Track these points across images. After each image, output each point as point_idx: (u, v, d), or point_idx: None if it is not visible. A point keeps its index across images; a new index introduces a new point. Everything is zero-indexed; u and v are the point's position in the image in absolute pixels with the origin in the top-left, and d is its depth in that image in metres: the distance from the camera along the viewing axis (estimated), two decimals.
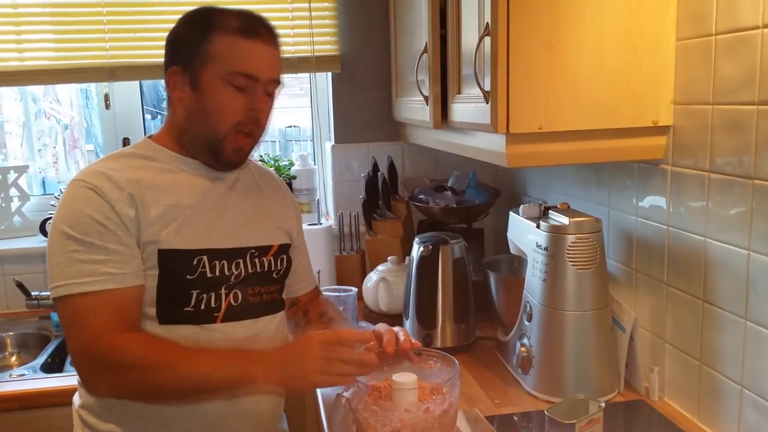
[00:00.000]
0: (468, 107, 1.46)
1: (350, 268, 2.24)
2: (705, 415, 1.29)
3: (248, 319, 1.26)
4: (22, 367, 1.92)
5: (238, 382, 1.14)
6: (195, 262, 1.21)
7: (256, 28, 1.21)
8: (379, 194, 2.21)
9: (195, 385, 1.14)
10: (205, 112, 1.22)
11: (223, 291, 1.23)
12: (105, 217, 1.16)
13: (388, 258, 2.01)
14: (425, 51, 1.69)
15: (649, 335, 1.43)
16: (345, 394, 1.16)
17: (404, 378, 1.17)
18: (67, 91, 2.62)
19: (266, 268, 1.31)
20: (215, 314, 1.22)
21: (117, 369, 1.13)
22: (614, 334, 1.45)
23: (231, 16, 1.21)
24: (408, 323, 1.76)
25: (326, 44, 2.29)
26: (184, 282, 1.20)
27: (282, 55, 1.27)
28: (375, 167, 2.23)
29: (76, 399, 1.31)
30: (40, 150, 2.63)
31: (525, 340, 1.47)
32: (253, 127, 1.24)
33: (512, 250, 1.62)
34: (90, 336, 1.13)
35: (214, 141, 1.23)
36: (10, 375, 1.85)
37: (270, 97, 1.26)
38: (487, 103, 1.30)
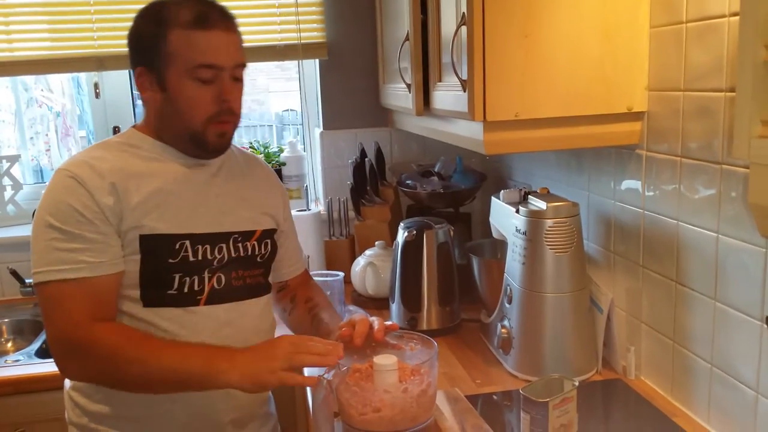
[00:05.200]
0: (448, 95, 1.48)
1: (339, 253, 2.27)
2: (678, 393, 1.33)
3: (232, 302, 1.28)
4: (18, 352, 1.96)
5: (205, 376, 1.14)
6: (177, 246, 1.23)
7: (209, 16, 1.20)
8: (367, 180, 2.23)
9: (163, 378, 1.15)
10: (178, 111, 1.23)
11: (206, 275, 1.26)
12: (84, 206, 1.18)
13: (376, 243, 2.04)
14: (407, 39, 1.71)
15: (626, 315, 1.47)
16: (326, 375, 1.19)
17: (385, 360, 1.21)
18: (59, 79, 2.63)
19: (249, 253, 1.33)
20: (198, 297, 1.25)
21: (89, 357, 1.16)
22: (592, 315, 1.49)
23: (182, 7, 1.19)
24: (394, 306, 1.79)
25: (313, 32, 2.30)
26: (167, 266, 1.23)
27: (250, 43, 1.26)
28: (363, 153, 2.26)
29: (67, 381, 1.35)
30: (32, 138, 2.64)
31: (506, 322, 1.51)
32: (229, 116, 1.25)
33: (495, 235, 1.65)
34: (66, 323, 1.16)
35: (195, 135, 1.24)
36: (6, 360, 1.89)
37: (238, 81, 1.26)
38: (465, 91, 1.33)
